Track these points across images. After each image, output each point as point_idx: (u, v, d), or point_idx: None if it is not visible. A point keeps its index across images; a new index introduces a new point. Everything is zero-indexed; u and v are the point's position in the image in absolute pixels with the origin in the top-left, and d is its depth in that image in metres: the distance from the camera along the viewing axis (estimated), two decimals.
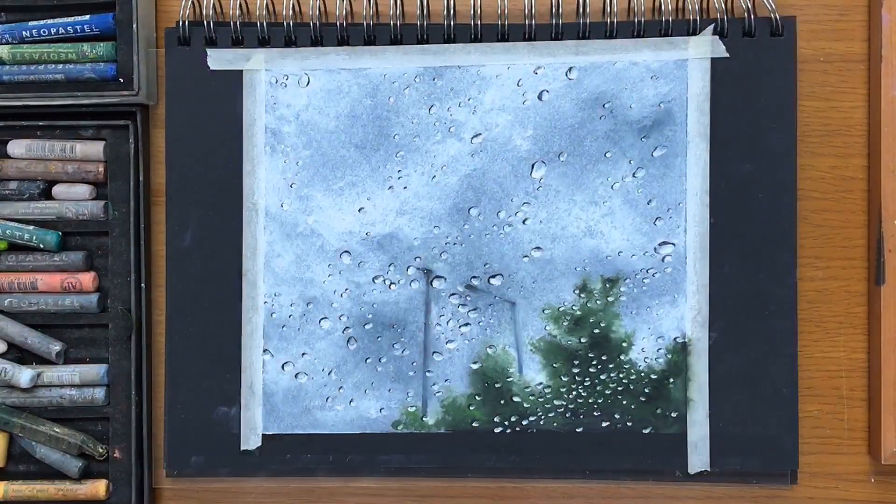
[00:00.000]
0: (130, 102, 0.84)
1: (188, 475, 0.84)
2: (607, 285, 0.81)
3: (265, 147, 0.82)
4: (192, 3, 0.83)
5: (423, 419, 0.82)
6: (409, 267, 0.82)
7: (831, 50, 0.83)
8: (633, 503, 0.84)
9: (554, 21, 0.80)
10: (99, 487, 0.84)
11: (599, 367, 0.81)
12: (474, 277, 0.81)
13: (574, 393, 0.81)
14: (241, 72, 0.82)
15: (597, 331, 0.81)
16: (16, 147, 0.85)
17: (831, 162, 0.83)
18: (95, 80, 0.83)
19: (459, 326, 0.82)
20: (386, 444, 0.82)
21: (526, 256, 0.81)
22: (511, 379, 0.81)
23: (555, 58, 0.81)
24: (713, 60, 0.80)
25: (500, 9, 0.80)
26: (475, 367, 0.82)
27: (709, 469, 0.80)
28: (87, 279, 0.84)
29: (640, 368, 0.81)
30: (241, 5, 0.82)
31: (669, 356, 0.80)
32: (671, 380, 0.80)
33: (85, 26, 0.83)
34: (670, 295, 0.80)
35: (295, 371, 0.82)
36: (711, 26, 0.80)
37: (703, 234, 0.80)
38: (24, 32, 0.84)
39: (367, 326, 0.82)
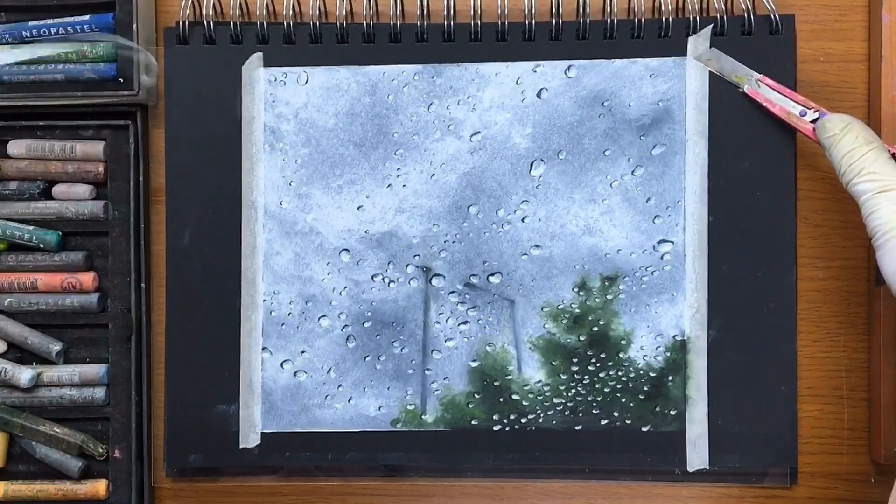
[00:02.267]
0: (130, 102, 0.84)
1: (187, 474, 0.84)
2: (606, 283, 0.81)
3: (264, 145, 0.82)
4: (192, 2, 0.83)
5: (422, 417, 0.82)
6: (408, 265, 0.82)
7: (831, 50, 0.84)
8: (633, 502, 0.84)
9: (554, 21, 0.80)
10: (99, 487, 0.84)
11: (598, 365, 0.81)
12: (473, 275, 0.81)
13: (573, 391, 0.81)
14: (240, 70, 0.82)
15: (596, 329, 0.81)
16: (16, 147, 0.85)
17: None
18: (95, 80, 0.83)
19: (458, 324, 0.82)
20: (385, 442, 0.82)
21: (525, 254, 0.81)
22: (510, 377, 0.81)
23: (554, 56, 0.81)
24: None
25: (500, 9, 0.80)
26: (474, 365, 0.82)
27: (708, 467, 0.80)
28: (87, 279, 0.84)
29: (639, 366, 0.80)
30: (240, 5, 0.82)
31: (668, 354, 0.80)
32: (670, 378, 0.80)
33: (85, 26, 0.83)
34: (669, 293, 0.80)
35: (294, 369, 0.82)
36: (710, 25, 0.80)
37: (702, 233, 0.80)
38: (24, 32, 0.84)
39: (366, 324, 0.82)
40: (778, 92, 0.78)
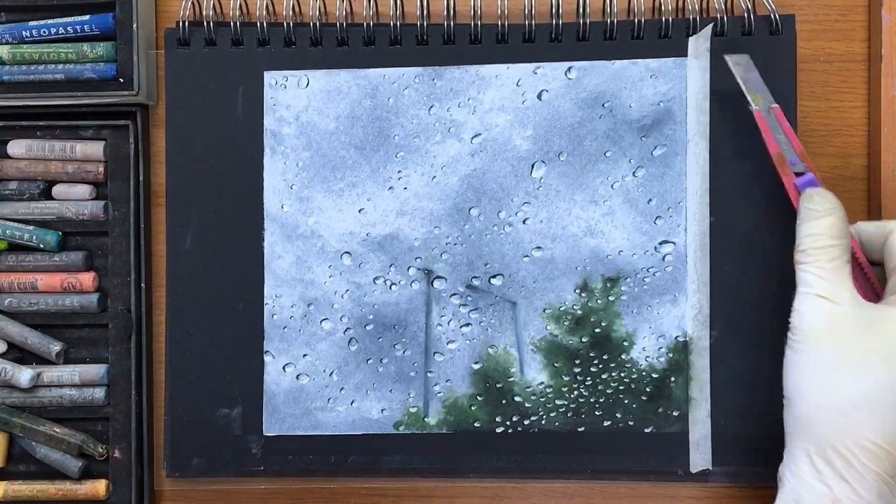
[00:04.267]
0: (130, 102, 0.84)
1: (189, 476, 0.84)
2: (608, 284, 0.81)
3: (265, 149, 0.82)
4: (192, 3, 0.83)
5: (425, 420, 0.82)
6: (409, 267, 0.82)
7: (831, 50, 0.84)
8: (635, 503, 0.84)
9: (554, 21, 0.80)
10: (99, 487, 0.84)
11: (601, 366, 0.81)
12: (475, 277, 0.81)
13: (575, 392, 0.81)
14: (240, 74, 0.82)
15: (598, 330, 0.81)
16: (16, 147, 0.85)
17: (831, 162, 0.83)
18: (95, 80, 0.83)
19: (460, 326, 0.82)
20: (387, 445, 0.82)
21: (526, 256, 0.81)
22: (512, 379, 0.81)
23: (554, 57, 0.81)
24: (713, 59, 0.80)
25: (500, 9, 0.80)
26: (476, 367, 0.82)
27: (710, 468, 0.80)
28: (87, 279, 0.84)
29: (642, 367, 0.81)
30: (240, 6, 0.82)
31: (670, 355, 0.80)
32: (672, 378, 0.80)
33: (85, 26, 0.83)
34: (671, 294, 0.80)
35: (296, 372, 0.82)
36: (711, 25, 0.80)
37: (704, 233, 0.80)
38: (24, 32, 0.84)
39: (368, 327, 0.82)
40: (783, 129, 0.78)
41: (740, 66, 0.79)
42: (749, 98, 0.78)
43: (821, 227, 0.72)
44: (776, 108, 0.78)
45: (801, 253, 0.72)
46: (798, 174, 0.76)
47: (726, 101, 0.80)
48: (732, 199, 0.80)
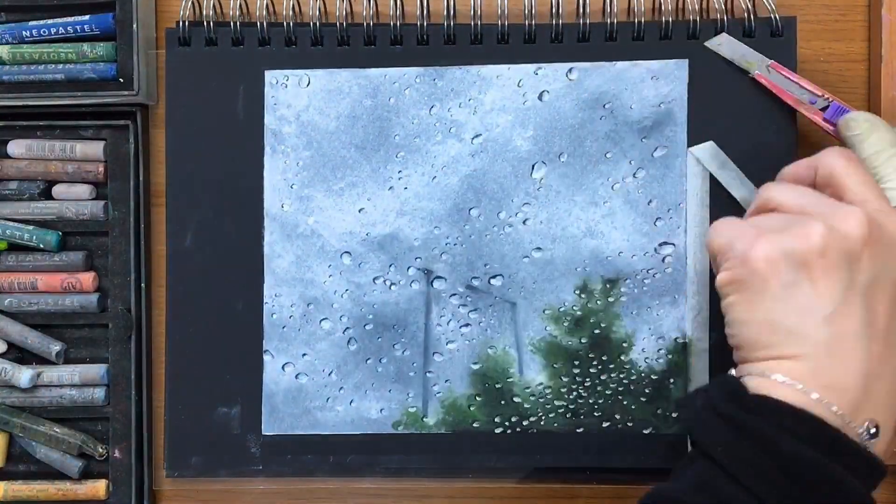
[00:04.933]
0: (130, 102, 0.84)
1: (188, 476, 0.84)
2: (608, 286, 0.80)
3: (265, 148, 0.82)
4: (193, 3, 0.83)
5: (424, 420, 0.82)
6: (409, 267, 0.82)
7: (831, 50, 0.84)
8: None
9: (554, 21, 0.80)
10: (99, 487, 0.84)
11: (600, 367, 0.81)
12: (475, 278, 0.81)
13: (574, 393, 0.81)
14: (240, 73, 0.82)
15: (597, 331, 0.81)
16: (16, 147, 0.85)
17: None
18: (95, 80, 0.83)
19: (460, 327, 0.82)
20: (386, 445, 0.82)
21: (526, 257, 0.81)
22: (511, 379, 0.81)
23: (555, 58, 0.81)
24: (713, 61, 0.80)
25: (501, 9, 0.80)
26: (476, 367, 0.82)
27: None
28: (87, 279, 0.84)
29: (641, 369, 0.81)
30: (241, 5, 0.82)
31: (670, 356, 0.80)
32: (672, 380, 0.80)
33: (85, 26, 0.83)
34: (671, 295, 0.80)
35: (295, 372, 0.82)
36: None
37: (704, 235, 0.80)
38: (24, 32, 0.84)
39: (367, 327, 0.82)
40: (789, 78, 0.78)
41: (723, 45, 0.79)
42: (745, 68, 0.79)
43: (874, 145, 0.71)
44: (772, 63, 0.78)
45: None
46: (823, 109, 0.76)
47: (727, 103, 0.80)
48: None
